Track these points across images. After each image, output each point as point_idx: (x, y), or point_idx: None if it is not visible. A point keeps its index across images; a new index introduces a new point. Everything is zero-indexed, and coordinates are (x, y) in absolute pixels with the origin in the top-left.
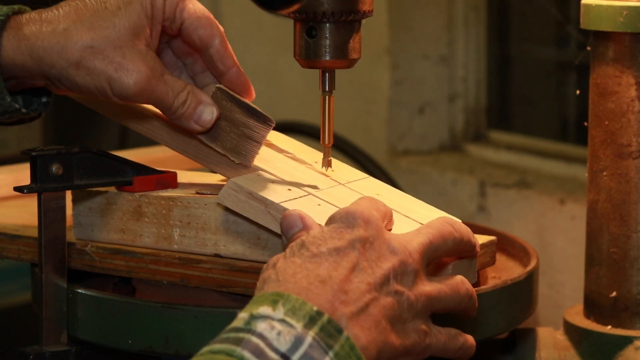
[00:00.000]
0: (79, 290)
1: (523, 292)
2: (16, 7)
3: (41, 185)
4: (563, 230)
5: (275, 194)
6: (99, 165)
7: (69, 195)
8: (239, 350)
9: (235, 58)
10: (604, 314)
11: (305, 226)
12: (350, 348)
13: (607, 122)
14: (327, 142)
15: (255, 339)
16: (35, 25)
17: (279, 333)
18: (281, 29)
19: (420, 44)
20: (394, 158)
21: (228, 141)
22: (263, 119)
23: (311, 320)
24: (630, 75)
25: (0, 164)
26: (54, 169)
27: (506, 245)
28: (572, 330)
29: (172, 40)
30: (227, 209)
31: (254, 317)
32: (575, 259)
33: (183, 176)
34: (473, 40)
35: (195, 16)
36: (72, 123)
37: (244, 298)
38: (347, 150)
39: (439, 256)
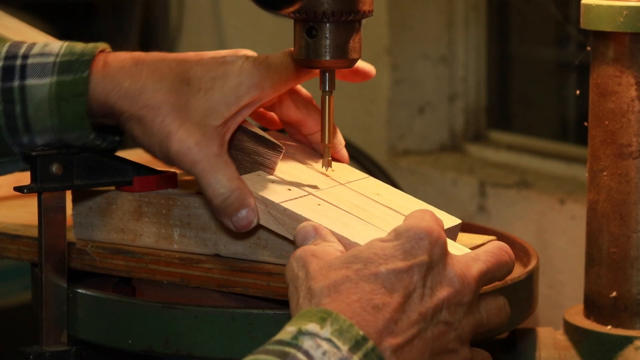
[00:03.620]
0: (79, 290)
1: (523, 292)
2: (100, 45)
3: (41, 185)
4: (563, 230)
5: (275, 194)
6: (99, 165)
7: (69, 195)
8: None
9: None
10: (604, 314)
11: (320, 236)
12: None
13: (607, 122)
14: (327, 142)
15: (301, 355)
16: (117, 74)
17: (324, 353)
18: (281, 29)
19: (420, 44)
20: (394, 158)
21: (241, 169)
22: (272, 146)
23: (357, 344)
24: (630, 75)
25: None
26: (54, 168)
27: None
28: (572, 330)
29: None
30: None
31: (301, 333)
32: (575, 259)
33: (183, 176)
34: (473, 40)
35: (292, 113)
36: None
37: (244, 298)
38: (347, 150)
39: (491, 282)
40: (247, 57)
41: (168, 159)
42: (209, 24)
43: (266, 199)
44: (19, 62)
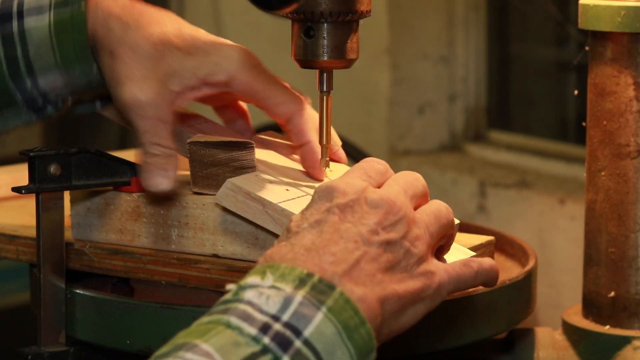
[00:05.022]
0: (77, 291)
1: (521, 292)
2: None
3: (39, 185)
4: (563, 230)
5: (273, 194)
6: (97, 166)
7: (67, 195)
8: (225, 317)
9: (311, 135)
10: (603, 314)
11: None
12: (345, 302)
13: (605, 122)
14: (325, 142)
15: (242, 306)
16: (108, 6)
17: (267, 297)
18: (281, 29)
19: (420, 44)
20: (394, 158)
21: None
22: (243, 146)
23: (301, 282)
24: (629, 75)
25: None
26: (52, 169)
27: (505, 245)
28: (570, 330)
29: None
30: (225, 209)
31: (242, 288)
32: (575, 259)
33: (181, 176)
34: (473, 40)
35: (269, 96)
36: (72, 123)
37: None
38: (347, 150)
39: (417, 197)
40: (241, 48)
41: (118, 102)
42: (209, 24)
43: (264, 199)
44: (15, 7)
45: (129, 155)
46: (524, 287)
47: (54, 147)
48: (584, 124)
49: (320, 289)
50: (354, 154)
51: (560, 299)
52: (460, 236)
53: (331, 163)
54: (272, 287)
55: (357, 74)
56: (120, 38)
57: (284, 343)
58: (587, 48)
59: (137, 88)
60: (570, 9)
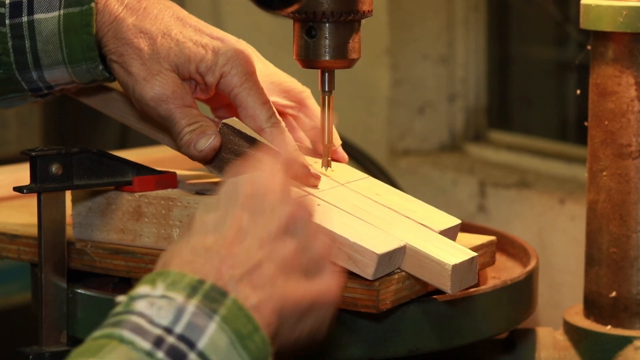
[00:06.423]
0: (79, 290)
1: (523, 292)
2: None
3: (41, 185)
4: (563, 230)
5: None
6: (98, 166)
7: (68, 195)
8: (118, 331)
9: (291, 141)
10: (604, 314)
11: None
12: (238, 309)
13: (606, 122)
14: (327, 142)
15: (134, 318)
16: (114, 8)
17: (159, 308)
18: (281, 29)
19: (420, 44)
20: (394, 158)
21: None
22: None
23: (193, 290)
24: (630, 75)
25: (0, 164)
26: (53, 169)
27: (506, 245)
28: (571, 330)
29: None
30: None
31: (132, 298)
32: (575, 259)
33: (183, 176)
34: (473, 40)
35: (245, 107)
36: (72, 123)
37: None
38: (347, 150)
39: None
40: (239, 52)
41: (142, 102)
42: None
43: None
44: None
45: (129, 155)
46: (525, 287)
47: (55, 146)
48: (585, 123)
49: (213, 297)
50: (354, 154)
51: (560, 299)
52: (461, 236)
53: (333, 163)
54: (163, 296)
55: (357, 74)
56: (128, 40)
57: (178, 357)
58: (589, 48)
59: (158, 85)
60: (570, 9)
